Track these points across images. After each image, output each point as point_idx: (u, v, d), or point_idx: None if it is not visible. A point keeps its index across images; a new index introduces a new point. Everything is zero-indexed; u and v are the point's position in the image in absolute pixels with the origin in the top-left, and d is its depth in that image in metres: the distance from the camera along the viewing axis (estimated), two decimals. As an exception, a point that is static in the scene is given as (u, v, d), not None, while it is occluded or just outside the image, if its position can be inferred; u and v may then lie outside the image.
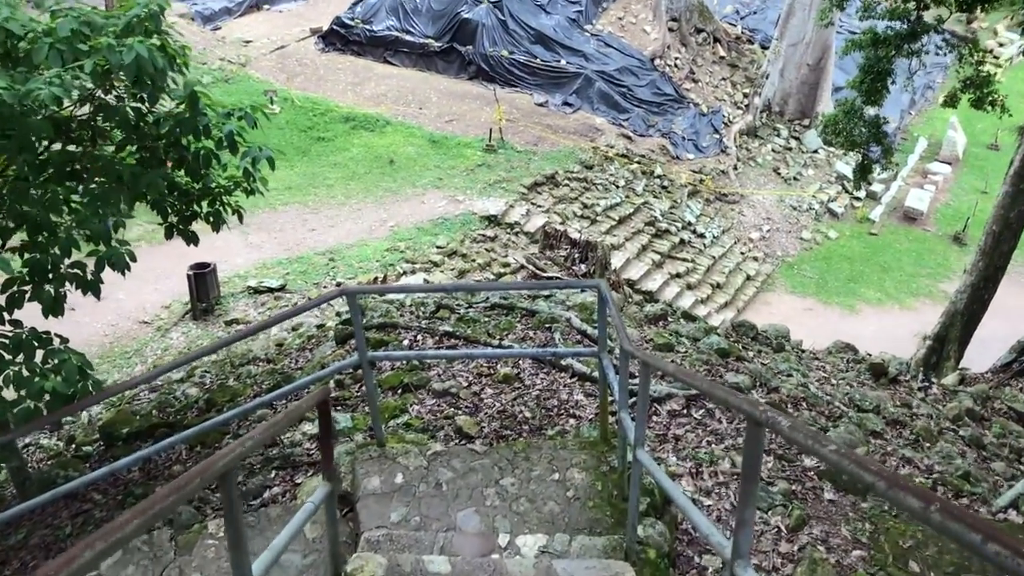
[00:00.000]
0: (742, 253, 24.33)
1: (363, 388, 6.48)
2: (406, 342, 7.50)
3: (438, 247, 19.02)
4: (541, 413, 5.94)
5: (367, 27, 28.98)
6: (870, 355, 8.97)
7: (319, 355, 7.74)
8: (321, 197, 21.67)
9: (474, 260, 18.48)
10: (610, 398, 5.02)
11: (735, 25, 33.08)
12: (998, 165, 30.26)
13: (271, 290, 17.85)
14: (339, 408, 6.20)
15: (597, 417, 5.71)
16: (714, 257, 23.30)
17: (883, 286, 23.86)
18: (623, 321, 4.33)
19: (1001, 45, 37.58)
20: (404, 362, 6.70)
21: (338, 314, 12.06)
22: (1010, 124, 25.44)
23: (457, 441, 5.58)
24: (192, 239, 6.45)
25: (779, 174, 28.08)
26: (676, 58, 29.46)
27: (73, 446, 7.50)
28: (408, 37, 28.50)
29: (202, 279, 16.91)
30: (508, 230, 20.30)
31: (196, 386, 7.91)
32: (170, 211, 6.32)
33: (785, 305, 23.23)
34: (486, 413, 5.96)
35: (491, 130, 24.02)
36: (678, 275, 21.90)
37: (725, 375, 6.60)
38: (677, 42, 30.00)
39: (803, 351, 8.79)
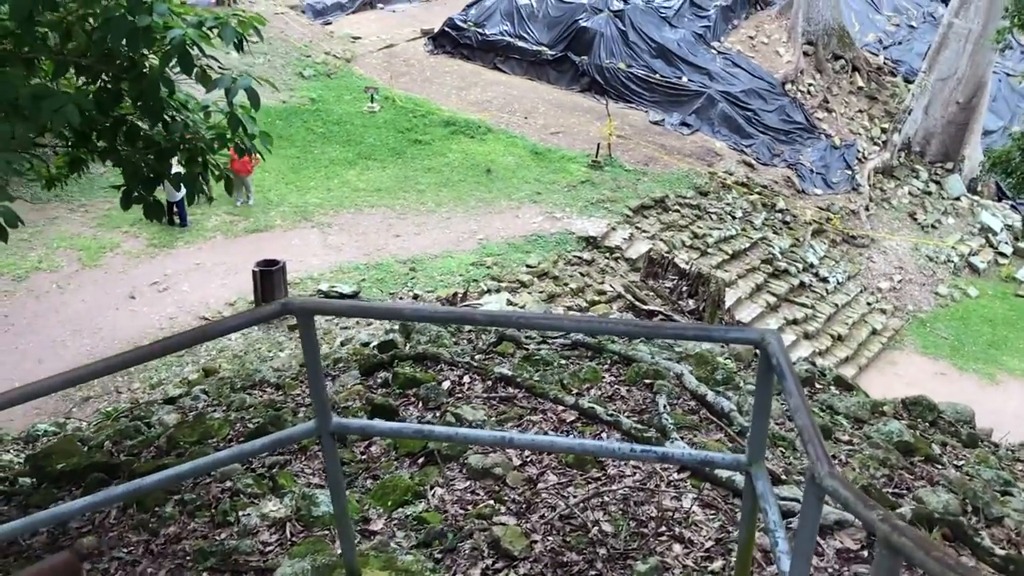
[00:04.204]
0: (868, 303, 21.64)
1: (371, 445, 4.51)
2: (446, 384, 5.44)
3: (528, 266, 17.23)
4: (628, 527, 3.64)
5: (479, 31, 27.68)
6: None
7: (334, 388, 5.78)
8: (410, 202, 20.30)
9: (566, 284, 16.56)
10: (758, 525, 2.87)
11: (877, 55, 30.23)
12: None
13: (342, 296, 16.51)
14: (322, 485, 4.18)
15: (722, 550, 3.51)
16: (837, 305, 20.74)
17: (1030, 356, 20.81)
18: (813, 418, 2.07)
19: None
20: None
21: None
22: None
23: (490, 563, 3.48)
24: (154, 211, 4.69)
25: (915, 220, 25.19)
26: (810, 84, 26.93)
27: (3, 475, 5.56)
28: (521, 43, 27.06)
29: (268, 277, 15.55)
30: (607, 254, 18.31)
31: (179, 412, 6.08)
32: (138, 170, 4.52)
33: (914, 367, 20.57)
34: (542, 517, 3.72)
35: (599, 145, 22.13)
36: (795, 321, 19.46)
37: (915, 486, 4.25)
38: (812, 67, 27.46)
39: (996, 445, 6.36)
